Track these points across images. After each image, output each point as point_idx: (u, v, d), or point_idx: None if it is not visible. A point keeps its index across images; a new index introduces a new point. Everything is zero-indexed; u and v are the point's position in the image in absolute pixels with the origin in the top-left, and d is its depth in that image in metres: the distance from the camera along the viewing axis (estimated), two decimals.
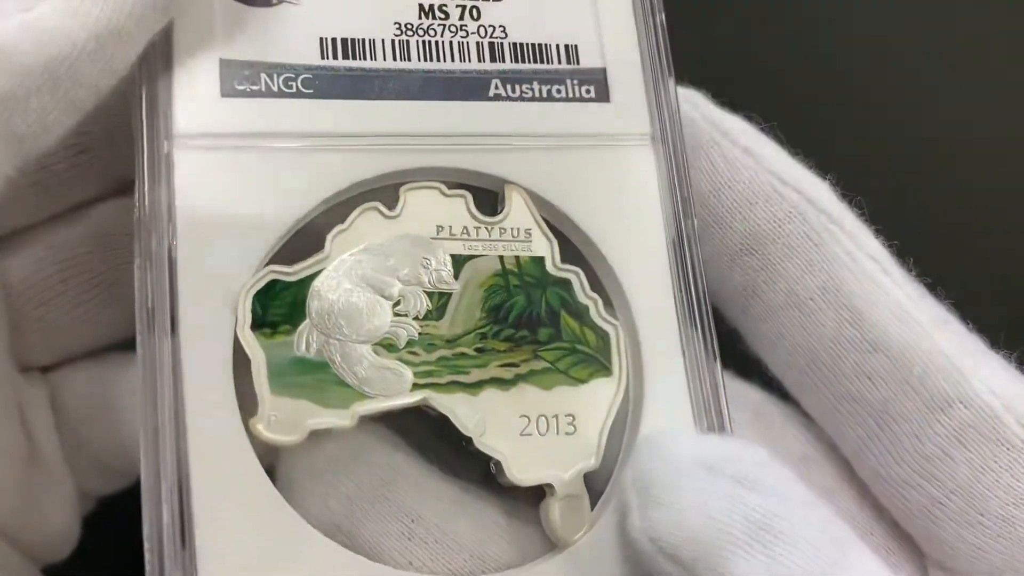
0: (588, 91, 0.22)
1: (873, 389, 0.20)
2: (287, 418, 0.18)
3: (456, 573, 0.19)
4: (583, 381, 0.20)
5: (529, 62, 0.21)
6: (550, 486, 0.20)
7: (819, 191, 0.22)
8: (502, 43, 0.21)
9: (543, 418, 0.20)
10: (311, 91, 0.20)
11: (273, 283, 0.19)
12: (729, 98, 0.23)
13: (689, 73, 0.23)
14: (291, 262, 0.19)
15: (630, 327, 0.21)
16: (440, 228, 0.20)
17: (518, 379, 0.20)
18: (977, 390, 0.20)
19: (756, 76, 0.31)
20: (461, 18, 0.21)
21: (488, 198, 0.21)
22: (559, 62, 0.22)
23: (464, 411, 0.19)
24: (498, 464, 0.19)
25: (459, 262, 0.20)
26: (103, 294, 0.22)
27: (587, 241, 0.21)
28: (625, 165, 0.21)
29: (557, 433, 0.20)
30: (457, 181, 0.21)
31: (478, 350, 0.20)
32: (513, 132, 0.21)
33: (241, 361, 0.19)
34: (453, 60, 0.21)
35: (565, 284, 0.21)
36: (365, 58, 0.21)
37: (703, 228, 0.22)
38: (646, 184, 0.21)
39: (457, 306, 0.20)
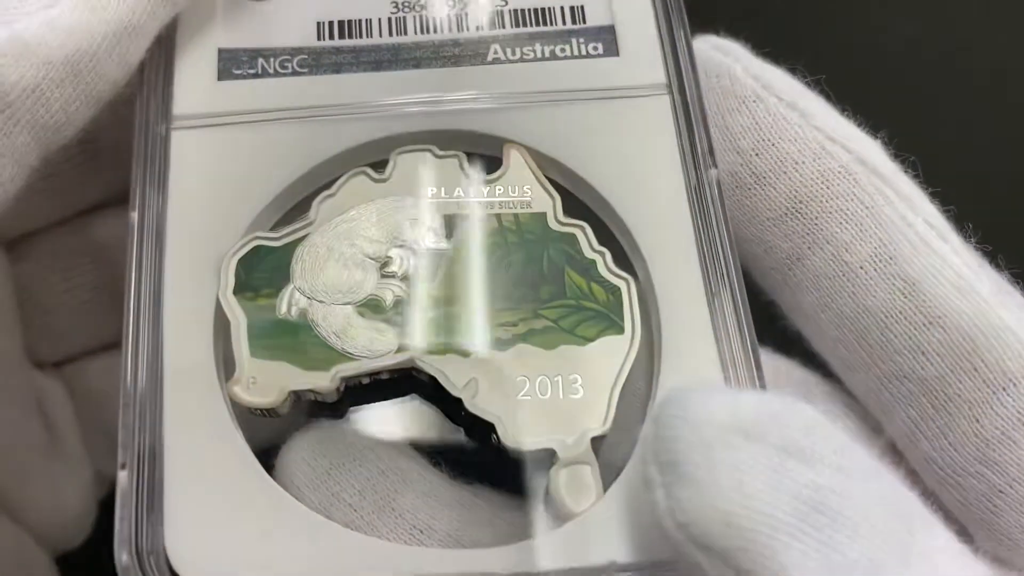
0: (595, 48, 0.21)
1: (928, 366, 0.18)
2: (266, 381, 0.18)
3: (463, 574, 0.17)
4: (590, 339, 0.18)
5: (530, 26, 0.21)
6: (553, 452, 0.17)
7: (871, 150, 0.20)
8: (502, 11, 0.21)
9: (544, 379, 0.18)
10: (306, 70, 0.20)
11: (258, 248, 0.19)
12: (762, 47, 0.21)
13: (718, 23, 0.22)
14: (278, 228, 0.19)
15: (646, 282, 0.19)
16: (432, 189, 0.19)
17: (516, 339, 0.18)
18: None
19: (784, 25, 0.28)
20: None
21: (489, 160, 0.20)
22: (563, 23, 0.21)
23: (454, 372, 0.18)
24: (493, 428, 0.18)
25: (452, 222, 0.19)
26: (105, 302, 0.22)
27: (595, 195, 0.20)
28: (637, 116, 0.20)
29: (561, 395, 0.18)
30: (454, 145, 0.20)
31: (472, 309, 0.18)
32: (511, 92, 0.20)
33: (225, 326, 0.18)
34: (450, 31, 0.21)
35: (570, 239, 0.19)
36: (362, 36, 0.21)
37: (743, 188, 0.20)
38: (661, 134, 0.20)
39: (449, 266, 0.19)
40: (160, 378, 0.18)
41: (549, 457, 0.18)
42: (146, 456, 0.17)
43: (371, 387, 0.18)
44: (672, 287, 0.19)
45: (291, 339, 0.18)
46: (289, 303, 0.18)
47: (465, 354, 0.18)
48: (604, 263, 0.19)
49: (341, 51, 0.20)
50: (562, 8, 0.21)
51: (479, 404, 0.18)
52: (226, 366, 0.18)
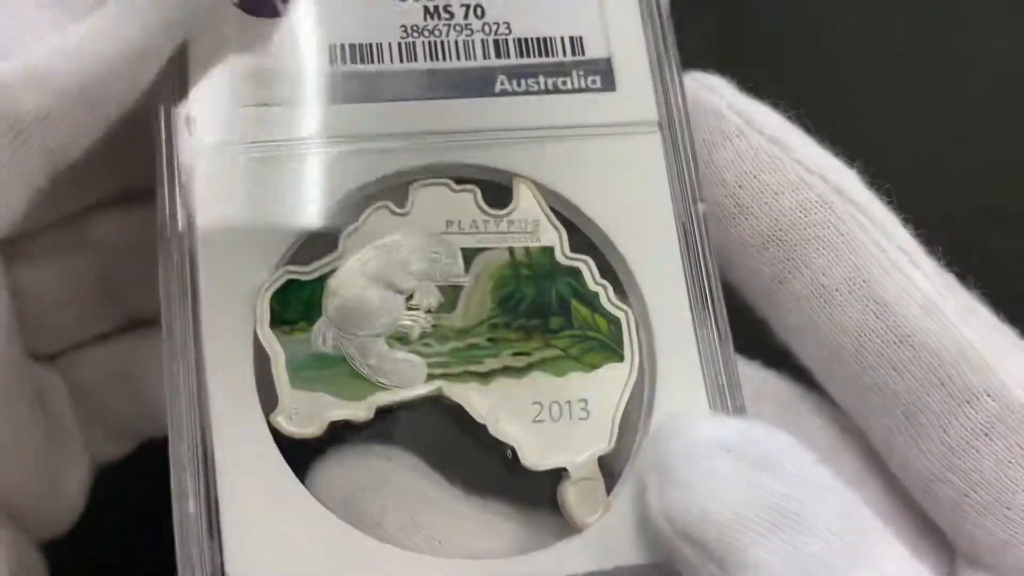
0: (594, 81, 0.22)
1: (899, 380, 0.20)
2: (307, 411, 0.19)
3: None
4: (595, 367, 0.21)
5: (534, 56, 0.22)
6: (565, 470, 0.20)
7: (846, 180, 0.21)
8: (506, 39, 0.22)
9: (556, 404, 0.20)
10: (322, 96, 0.21)
11: (290, 282, 0.20)
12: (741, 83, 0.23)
13: (698, 59, 0.23)
14: (307, 262, 0.20)
15: (642, 312, 0.21)
16: (449, 223, 0.21)
17: (530, 367, 0.20)
18: (1005, 382, 0.19)
19: (766, 61, 0.30)
20: (466, 17, 0.22)
21: (499, 192, 0.22)
22: (564, 54, 0.22)
23: (477, 400, 0.20)
24: (513, 451, 0.20)
25: (469, 255, 0.21)
26: (106, 298, 0.23)
27: (597, 230, 0.21)
28: (632, 153, 0.22)
29: (570, 418, 0.20)
30: (467, 177, 0.21)
31: (490, 340, 0.20)
32: (520, 126, 0.21)
33: (261, 358, 0.20)
34: (459, 59, 0.22)
35: (575, 273, 0.21)
36: (373, 61, 0.21)
37: (728, 218, 0.22)
38: (654, 171, 0.22)
39: (469, 298, 0.21)
40: (206, 409, 0.19)
41: (559, 474, 0.20)
42: (202, 485, 0.18)
43: (398, 409, 0.20)
44: (664, 318, 0.21)
45: (328, 371, 0.20)
46: (324, 337, 0.20)
47: (485, 382, 0.20)
48: (606, 295, 0.21)
49: (354, 77, 0.21)
50: (562, 39, 0.22)
51: (501, 429, 0.20)
52: (264, 395, 0.20)
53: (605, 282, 0.21)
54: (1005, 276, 0.23)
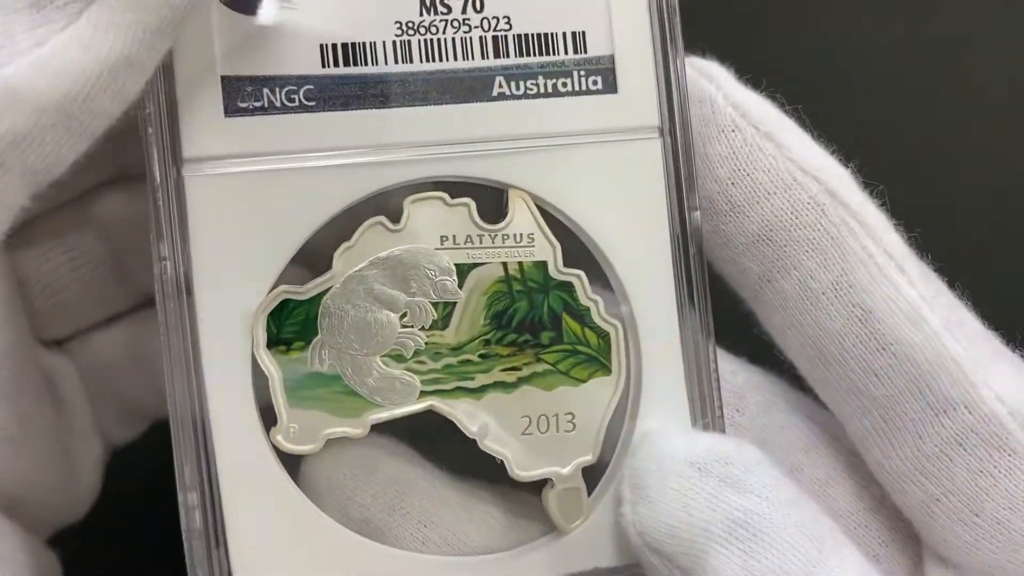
0: (595, 82, 0.21)
1: (880, 386, 0.21)
2: (305, 429, 0.20)
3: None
4: (583, 381, 0.21)
5: (534, 54, 0.21)
6: (550, 480, 0.21)
7: (840, 181, 0.21)
8: (506, 35, 0.21)
9: (544, 417, 0.21)
10: (313, 103, 0.20)
11: (286, 303, 0.20)
12: (745, 69, 0.23)
13: (703, 42, 0.22)
14: (301, 280, 0.20)
15: (630, 325, 0.22)
16: (444, 238, 0.21)
17: (520, 382, 0.21)
18: (983, 396, 0.20)
19: (772, 57, 0.29)
20: (464, 11, 0.21)
21: (494, 202, 0.21)
22: (565, 52, 0.21)
23: (468, 415, 0.21)
24: (501, 463, 0.21)
25: (463, 271, 0.21)
26: (111, 275, 0.23)
27: (590, 241, 0.22)
28: (631, 161, 0.21)
29: (557, 431, 0.21)
30: (461, 187, 0.21)
31: (482, 356, 0.21)
32: (516, 135, 0.21)
33: (259, 375, 0.20)
34: (456, 58, 0.21)
35: (567, 287, 0.21)
36: (367, 63, 0.21)
37: (720, 214, 0.22)
38: (651, 180, 0.22)
39: (462, 314, 0.21)
40: (208, 426, 0.20)
41: (546, 481, 0.22)
42: (208, 499, 0.20)
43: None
44: (651, 329, 0.22)
45: (325, 390, 0.20)
46: (320, 356, 0.20)
47: (477, 398, 0.21)
48: (597, 310, 0.22)
49: (347, 81, 0.21)
50: (564, 34, 0.21)
51: (490, 444, 0.21)
52: (263, 410, 0.20)
53: (597, 297, 0.21)
54: (999, 274, 0.23)
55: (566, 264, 0.21)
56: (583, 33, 0.21)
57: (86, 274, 0.23)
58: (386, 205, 0.21)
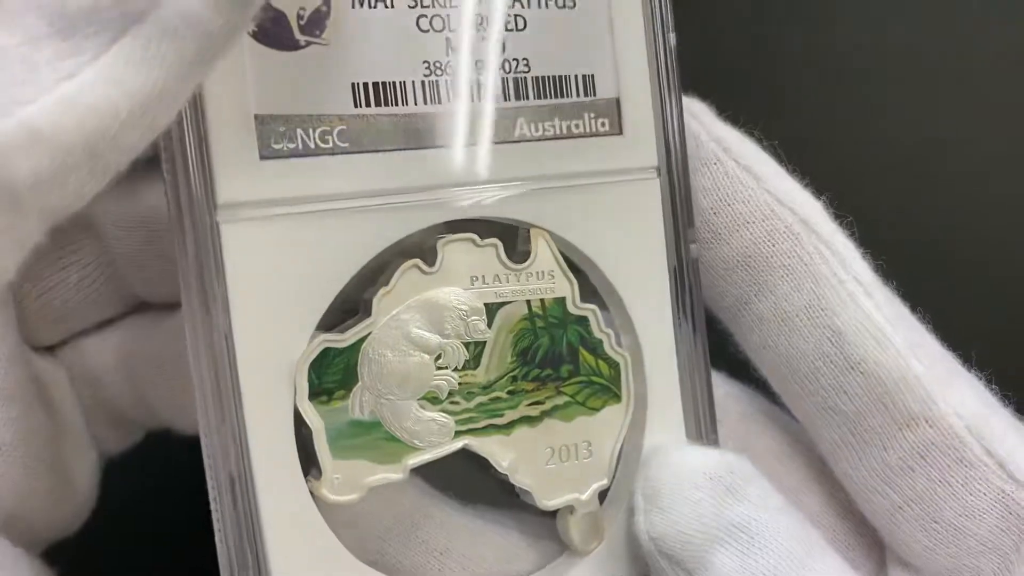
0: (603, 124, 0.22)
1: (848, 402, 0.22)
2: (347, 479, 0.20)
3: None
4: (597, 410, 0.22)
5: (551, 96, 0.22)
6: (571, 506, 0.22)
7: (813, 212, 0.23)
8: (526, 78, 0.22)
9: (565, 448, 0.22)
10: (347, 144, 0.20)
11: (326, 351, 0.20)
12: (730, 105, 0.24)
13: (691, 79, 0.24)
14: (342, 328, 0.20)
15: (636, 355, 0.23)
16: (474, 279, 0.21)
17: (544, 415, 0.22)
18: (943, 411, 0.21)
19: (758, 81, 0.31)
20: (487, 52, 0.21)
21: (514, 241, 0.22)
22: (577, 95, 0.22)
23: (499, 452, 0.21)
24: (527, 494, 0.22)
25: (492, 310, 0.21)
26: (102, 276, 0.21)
27: (602, 277, 0.23)
28: (634, 200, 0.23)
29: (576, 459, 0.22)
30: (487, 229, 0.21)
31: (510, 392, 0.22)
32: (538, 174, 0.22)
33: (301, 426, 0.20)
34: (480, 98, 0.21)
35: (583, 321, 0.22)
36: (397, 103, 0.20)
37: (703, 242, 0.23)
38: (652, 217, 0.23)
39: (491, 353, 0.21)
40: (251, 479, 0.19)
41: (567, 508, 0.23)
42: (252, 558, 0.19)
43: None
44: (654, 358, 0.23)
45: (366, 438, 0.20)
46: (361, 404, 0.20)
47: (507, 433, 0.22)
48: (609, 343, 0.23)
49: (379, 122, 0.20)
50: (575, 77, 0.22)
51: (519, 478, 0.22)
52: (305, 462, 0.20)
53: (609, 330, 0.23)
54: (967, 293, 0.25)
55: (581, 300, 0.22)
56: (592, 77, 0.22)
57: (75, 276, 0.21)
58: (420, 246, 0.21)
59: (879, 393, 0.22)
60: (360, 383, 0.20)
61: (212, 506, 0.19)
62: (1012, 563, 0.22)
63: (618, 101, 0.22)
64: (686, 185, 0.23)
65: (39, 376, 0.22)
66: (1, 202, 0.15)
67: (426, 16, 0.20)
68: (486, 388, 0.21)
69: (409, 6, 0.20)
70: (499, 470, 0.21)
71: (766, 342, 0.24)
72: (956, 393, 0.22)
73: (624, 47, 0.22)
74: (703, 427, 0.23)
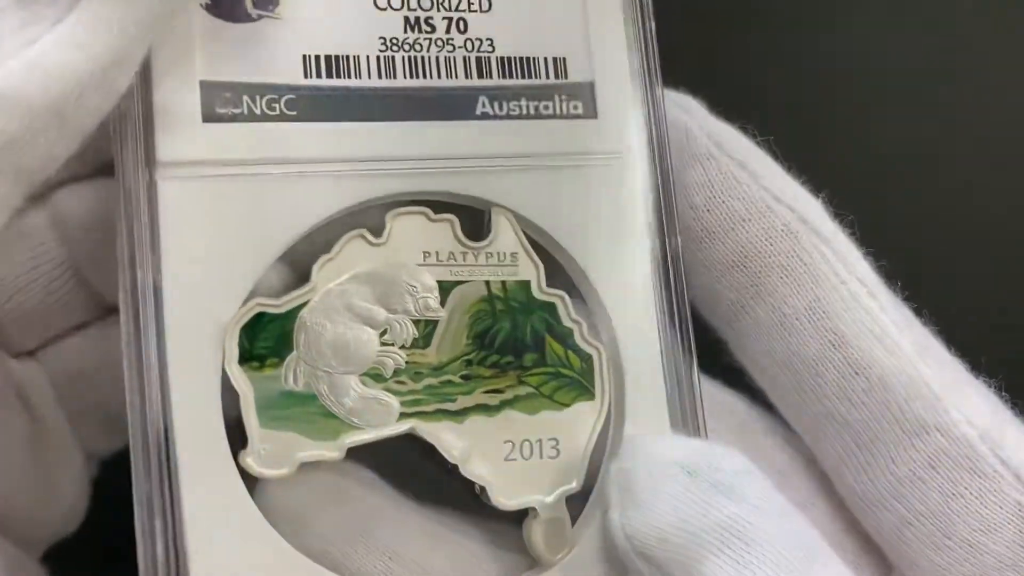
0: (576, 107, 0.21)
1: (853, 410, 0.21)
2: (276, 451, 0.19)
3: None
4: (566, 405, 0.21)
5: (517, 77, 0.21)
6: (533, 510, 0.20)
7: (812, 210, 0.22)
8: (489, 57, 0.21)
9: (527, 443, 0.20)
10: (294, 113, 0.20)
11: (260, 316, 0.19)
12: (719, 102, 0.23)
13: (677, 76, 0.23)
14: (278, 294, 0.19)
15: (613, 348, 0.21)
16: (426, 254, 0.20)
17: (503, 405, 0.20)
18: (955, 419, 0.20)
19: (748, 78, 0.30)
20: (448, 31, 0.21)
21: (476, 221, 0.21)
22: (547, 76, 0.21)
23: (449, 439, 0.20)
24: (483, 489, 0.20)
25: (445, 288, 0.20)
26: (72, 279, 0.22)
27: (572, 263, 0.21)
28: (610, 184, 0.21)
29: (541, 457, 0.20)
30: (444, 204, 0.21)
31: (464, 377, 0.20)
32: (500, 153, 0.21)
33: (228, 393, 0.19)
34: (439, 76, 0.21)
35: (550, 308, 0.21)
36: (350, 76, 0.20)
37: (695, 240, 0.22)
38: (631, 202, 0.21)
39: (443, 333, 0.20)
40: (172, 444, 0.18)
41: (527, 510, 0.20)
42: (171, 526, 0.18)
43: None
44: (635, 351, 0.21)
45: (299, 409, 0.19)
46: (295, 374, 0.19)
47: (459, 421, 0.20)
48: (580, 332, 0.21)
49: (329, 94, 0.20)
50: (545, 59, 0.22)
51: (472, 469, 0.20)
52: (233, 433, 0.19)
53: (580, 318, 0.21)
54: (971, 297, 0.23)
55: (549, 285, 0.21)
56: (564, 60, 0.22)
57: (46, 275, 0.21)
58: (368, 219, 0.20)
59: (886, 400, 0.20)
60: (295, 352, 0.19)
61: (132, 469, 0.18)
62: None
63: (592, 85, 0.22)
64: (668, 172, 0.22)
65: (17, 380, 0.22)
66: None
67: None
68: (437, 370, 0.20)
69: None
70: (448, 459, 0.20)
71: (764, 348, 0.22)
72: (968, 400, 0.20)
73: (599, 31, 0.22)
74: (691, 432, 0.21)
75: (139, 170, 0.19)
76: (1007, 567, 0.20)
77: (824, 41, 0.31)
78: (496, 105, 0.21)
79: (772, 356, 0.22)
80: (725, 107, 0.23)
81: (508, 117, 0.21)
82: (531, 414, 0.20)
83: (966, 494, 0.20)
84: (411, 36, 0.21)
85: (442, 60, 0.21)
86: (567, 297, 0.21)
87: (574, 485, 0.20)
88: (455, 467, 0.20)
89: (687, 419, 0.21)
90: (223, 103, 0.19)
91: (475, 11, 0.21)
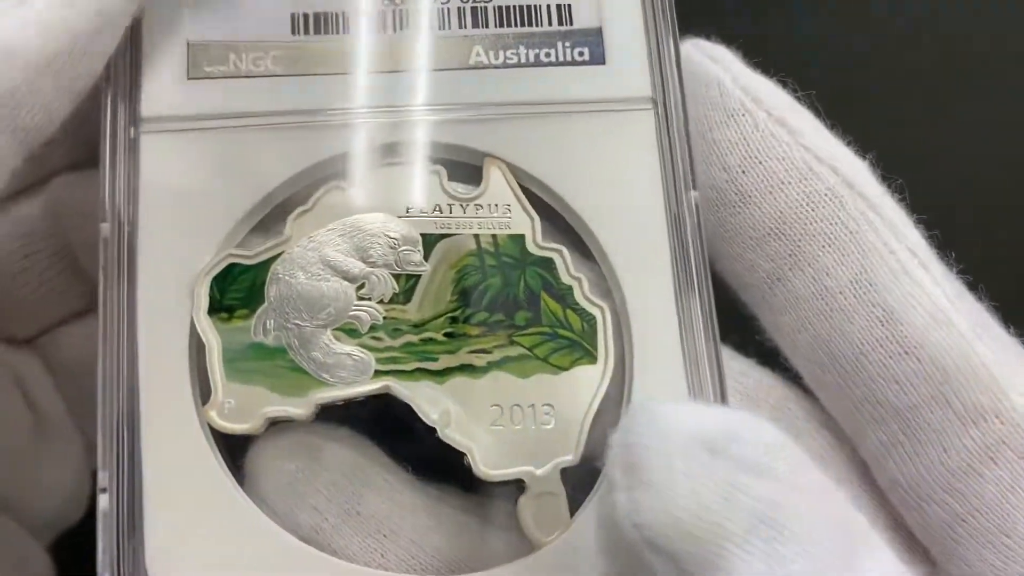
0: (581, 53, 0.20)
1: (901, 394, 0.19)
2: (242, 406, 0.18)
3: None
4: (564, 368, 0.19)
5: (515, 26, 0.20)
6: (522, 482, 0.18)
7: (858, 172, 0.20)
8: (486, 7, 0.20)
9: (517, 408, 0.18)
10: (279, 68, 0.19)
11: (232, 267, 0.18)
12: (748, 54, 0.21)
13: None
14: (251, 245, 0.19)
15: (621, 309, 0.19)
16: (410, 206, 0.19)
17: (491, 366, 0.18)
18: (1016, 404, 0.18)
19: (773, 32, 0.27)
20: None
21: (469, 173, 0.20)
22: (549, 24, 0.20)
23: (429, 400, 0.18)
24: (466, 458, 0.18)
25: (430, 242, 0.19)
26: (67, 269, 0.22)
27: (575, 217, 0.19)
28: (621, 133, 0.20)
29: (533, 424, 0.18)
30: (433, 156, 0.19)
31: (448, 335, 0.19)
32: (494, 101, 0.19)
33: (199, 345, 0.18)
34: (431, 27, 0.20)
35: (547, 264, 0.19)
36: (338, 31, 0.20)
37: (728, 205, 0.20)
38: (644, 153, 0.20)
39: (426, 289, 0.19)
40: (136, 399, 0.18)
41: (519, 484, 0.18)
42: (125, 479, 0.17)
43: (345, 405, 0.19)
44: (646, 313, 0.19)
45: (267, 363, 0.18)
46: (264, 326, 0.18)
47: (440, 381, 0.18)
48: (580, 290, 0.19)
49: (316, 48, 0.20)
50: (548, 7, 0.20)
51: (451, 434, 0.18)
52: (202, 385, 0.18)
53: (580, 275, 0.19)
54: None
55: (546, 239, 0.19)
56: (568, 6, 0.20)
57: (38, 263, 0.22)
58: (348, 170, 0.19)
59: (939, 383, 0.18)
60: (266, 304, 0.18)
61: (99, 420, 0.18)
62: None
63: (600, 30, 0.20)
64: (684, 120, 0.20)
65: (15, 369, 0.22)
66: None
67: None
68: (417, 327, 0.19)
69: None
70: (426, 421, 0.18)
71: (802, 324, 0.19)
72: None
73: None
74: (711, 402, 0.18)
75: (123, 125, 0.19)
76: None
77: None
78: (491, 54, 0.20)
79: (811, 332, 0.19)
80: (756, 59, 0.21)
81: (504, 66, 0.20)
82: (522, 377, 0.18)
83: None
84: None
85: (435, 12, 0.20)
86: (566, 252, 0.19)
87: (570, 457, 0.18)
88: (434, 431, 0.18)
89: (707, 388, 0.18)
90: (210, 61, 0.19)
91: None
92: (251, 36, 0.20)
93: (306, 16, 0.20)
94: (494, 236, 0.19)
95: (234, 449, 0.18)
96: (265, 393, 0.18)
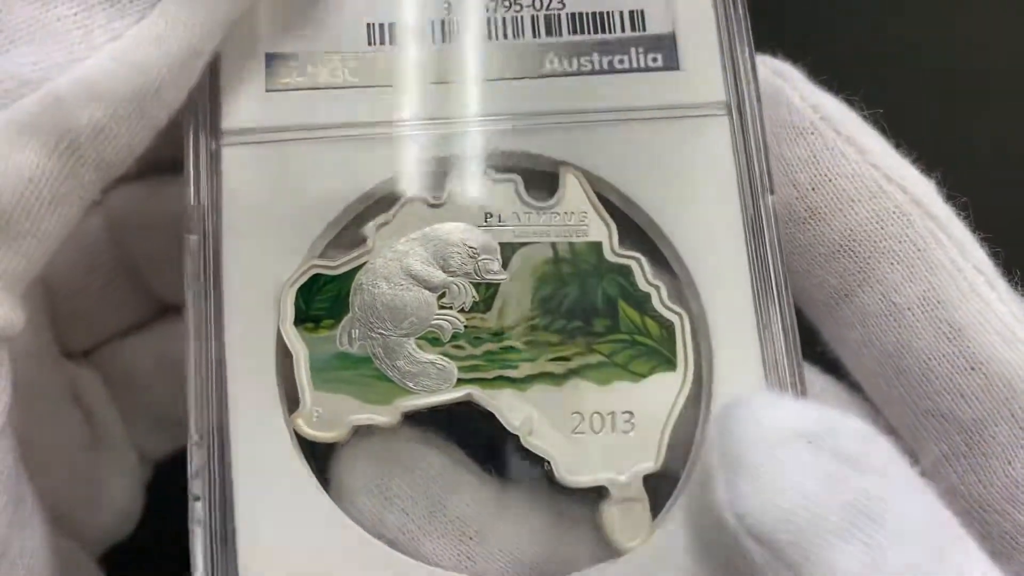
0: (655, 59, 0.20)
1: (966, 408, 0.19)
2: (329, 414, 0.18)
3: None
4: (643, 376, 0.19)
5: (588, 33, 0.20)
6: (605, 489, 0.18)
7: (926, 192, 0.20)
8: (559, 15, 0.20)
9: (597, 415, 0.19)
10: (357, 79, 0.20)
11: (316, 277, 0.19)
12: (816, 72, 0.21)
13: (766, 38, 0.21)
14: (335, 255, 0.19)
15: (699, 315, 0.19)
16: (488, 215, 0.19)
17: (570, 374, 0.19)
18: None
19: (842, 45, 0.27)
20: None
21: (544, 182, 0.20)
22: (622, 30, 0.20)
23: (511, 408, 0.18)
24: (548, 464, 0.18)
25: (509, 251, 0.19)
26: (128, 281, 0.22)
27: (652, 224, 0.19)
28: (696, 138, 0.20)
29: (613, 431, 0.18)
30: (508, 165, 0.20)
31: (527, 343, 0.19)
32: (569, 109, 0.20)
33: (285, 355, 0.19)
34: (506, 37, 0.20)
35: (624, 271, 0.19)
36: (414, 42, 0.20)
37: (797, 221, 0.20)
38: (720, 158, 0.20)
39: (506, 297, 0.19)
40: (225, 409, 0.18)
41: (601, 491, 0.18)
42: (217, 488, 0.18)
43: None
44: (724, 319, 0.19)
45: (353, 372, 0.19)
46: (349, 336, 0.19)
47: (521, 389, 0.19)
48: (659, 297, 0.19)
49: (393, 58, 0.20)
50: (621, 13, 0.20)
51: (533, 441, 0.18)
52: (288, 393, 0.19)
53: (659, 282, 0.19)
54: None
55: (623, 247, 0.19)
56: (641, 12, 0.20)
57: (101, 278, 0.22)
58: (427, 180, 0.19)
59: (1005, 398, 0.19)
60: (350, 314, 0.19)
61: (189, 430, 0.18)
62: None
63: (673, 36, 0.20)
64: (760, 124, 0.20)
65: (72, 380, 0.23)
66: (64, 150, 0.17)
67: None
68: (497, 335, 0.19)
69: None
70: (508, 429, 0.18)
71: (869, 339, 0.20)
72: None
73: None
74: None
75: (205, 139, 0.19)
76: None
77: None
78: (565, 62, 0.20)
79: (877, 347, 0.20)
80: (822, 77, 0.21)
81: (578, 73, 0.20)
82: (602, 384, 0.19)
83: None
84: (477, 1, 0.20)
85: (508, 20, 0.20)
86: (644, 259, 0.19)
87: (651, 464, 0.18)
88: (516, 439, 0.18)
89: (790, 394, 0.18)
90: (287, 72, 0.20)
91: None
92: (327, 47, 0.20)
93: (382, 26, 0.20)
94: (571, 244, 0.19)
95: (319, 456, 0.19)
96: (351, 401, 0.18)
